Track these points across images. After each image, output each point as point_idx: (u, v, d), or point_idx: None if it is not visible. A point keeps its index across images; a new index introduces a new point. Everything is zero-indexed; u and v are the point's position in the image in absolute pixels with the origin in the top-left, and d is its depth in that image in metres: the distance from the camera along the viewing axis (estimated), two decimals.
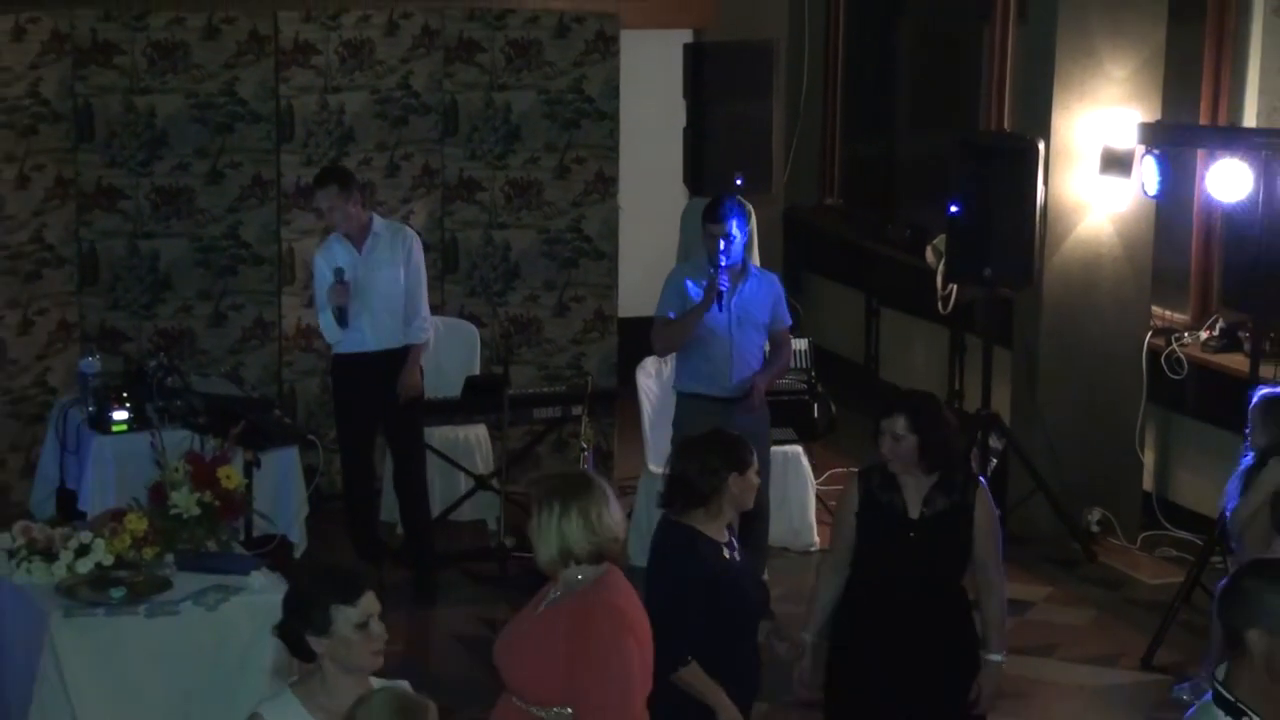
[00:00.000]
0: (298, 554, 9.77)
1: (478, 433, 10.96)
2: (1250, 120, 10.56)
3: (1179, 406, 10.82)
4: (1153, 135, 10.22)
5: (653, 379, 10.62)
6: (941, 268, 11.42)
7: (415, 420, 10.04)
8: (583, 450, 9.84)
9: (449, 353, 10.91)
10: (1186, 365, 10.61)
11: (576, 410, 10.25)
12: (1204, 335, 10.68)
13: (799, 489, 10.59)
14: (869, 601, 6.72)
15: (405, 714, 4.54)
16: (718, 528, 6.35)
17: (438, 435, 10.64)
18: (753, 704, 6.56)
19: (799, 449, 10.61)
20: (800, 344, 10.54)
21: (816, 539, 10.47)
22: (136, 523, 7.56)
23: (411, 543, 10.17)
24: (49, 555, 7.48)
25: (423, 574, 10.07)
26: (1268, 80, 10.54)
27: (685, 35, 13.03)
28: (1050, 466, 10.72)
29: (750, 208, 9.91)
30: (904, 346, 13.23)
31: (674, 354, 9.63)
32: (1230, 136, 9.94)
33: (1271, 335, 10.09)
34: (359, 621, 5.05)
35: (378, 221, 9.86)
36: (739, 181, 10.98)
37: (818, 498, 10.65)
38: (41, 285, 10.73)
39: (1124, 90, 10.60)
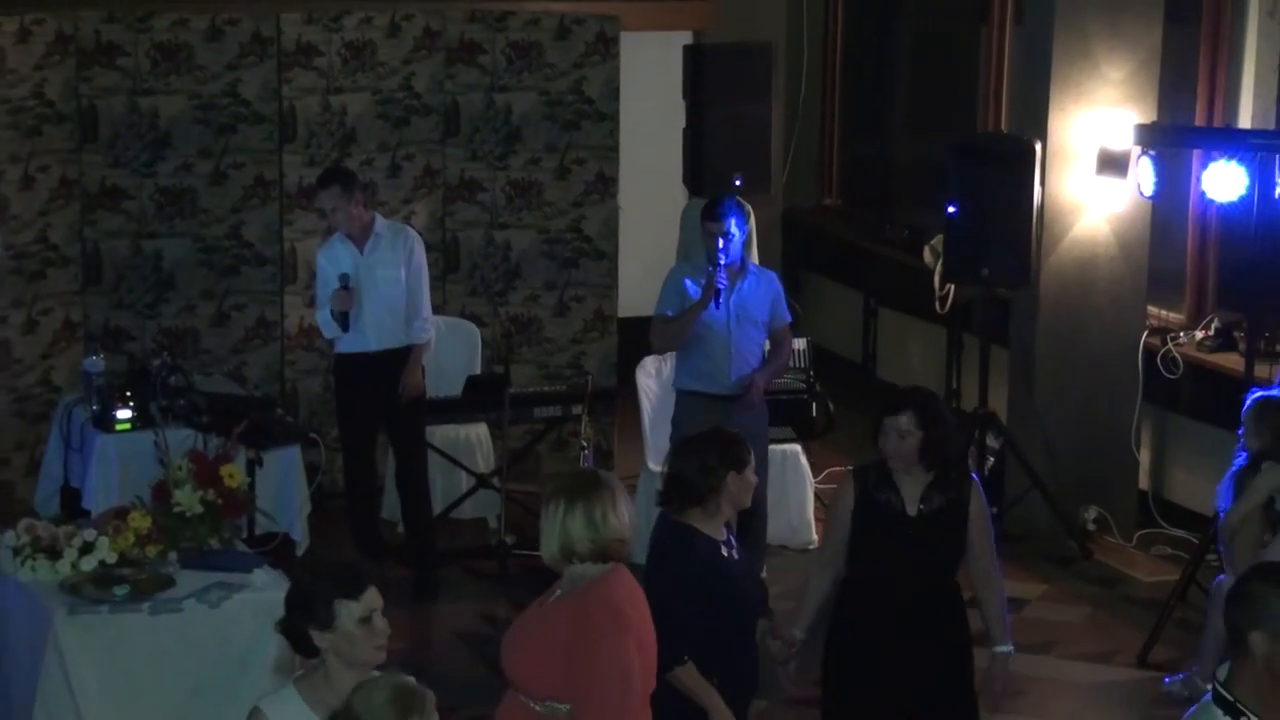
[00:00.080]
0: (300, 552, 9.78)
1: (479, 431, 10.97)
2: (1245, 121, 10.55)
3: (1174, 406, 10.82)
4: (1149, 136, 10.23)
5: (652, 378, 10.63)
6: (939, 268, 11.42)
7: (417, 419, 10.04)
8: (583, 449, 9.84)
9: (450, 352, 10.91)
10: (1182, 365, 10.61)
11: (577, 409, 10.25)
12: (1199, 335, 10.68)
13: (797, 487, 10.59)
14: (867, 599, 6.73)
15: (403, 701, 4.55)
16: (716, 526, 6.36)
17: (439, 434, 10.64)
18: (751, 701, 6.58)
19: (797, 448, 10.62)
20: (799, 343, 10.52)
21: (815, 537, 10.48)
22: (140, 521, 7.60)
23: (413, 540, 10.17)
24: (53, 553, 7.51)
25: (424, 571, 10.06)
26: (1262, 82, 10.53)
27: (685, 37, 12.99)
28: (1047, 465, 10.73)
29: (749, 207, 9.90)
30: (902, 346, 13.23)
31: (673, 353, 9.65)
32: (1225, 138, 9.91)
33: (1266, 335, 10.08)
34: (362, 616, 5.07)
35: (380, 222, 9.86)
36: (738, 182, 10.99)
37: (816, 496, 10.64)
38: (46, 285, 10.73)
39: (1120, 92, 10.60)
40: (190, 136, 10.92)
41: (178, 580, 7.47)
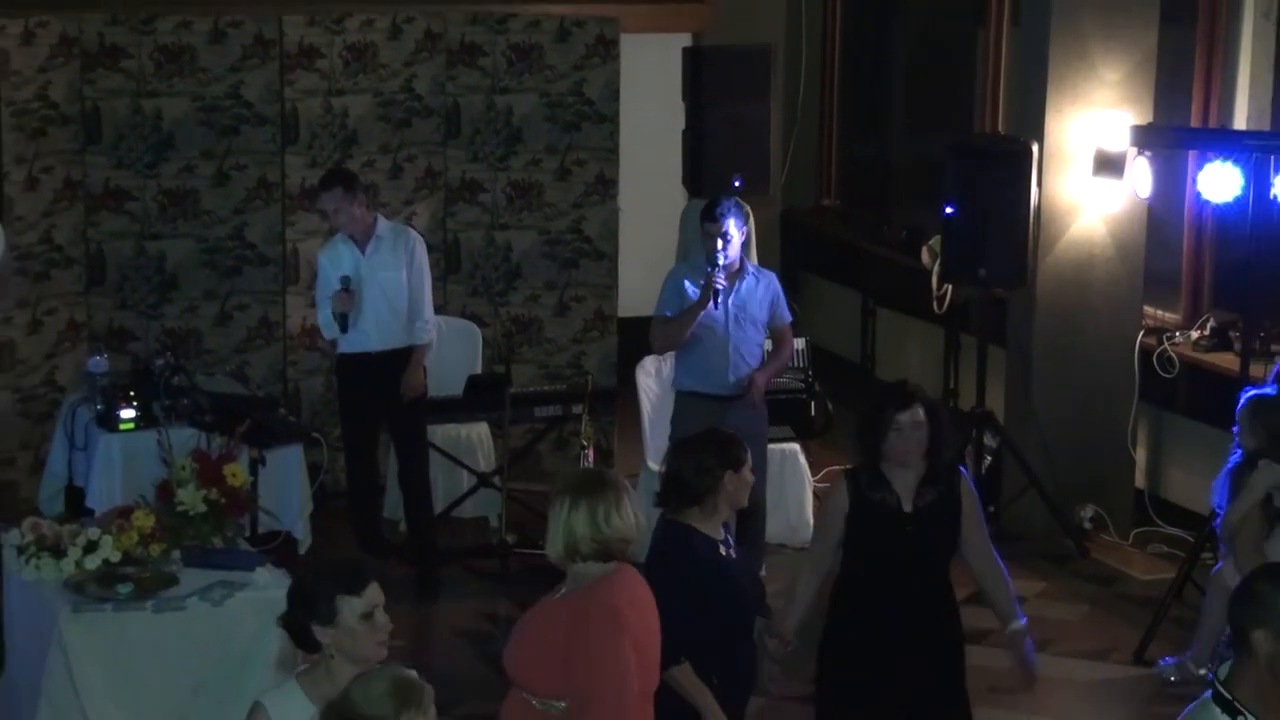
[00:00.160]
0: (302, 550, 9.78)
1: (480, 431, 10.99)
2: (1240, 123, 10.57)
3: (1170, 405, 10.82)
4: (1145, 137, 10.26)
5: (652, 378, 10.64)
6: (937, 268, 11.45)
7: (418, 418, 10.07)
8: (583, 448, 9.85)
9: (451, 352, 10.91)
10: (1178, 364, 10.61)
11: (577, 409, 10.26)
12: (1195, 335, 10.69)
13: (796, 486, 10.62)
14: (866, 598, 6.74)
15: (401, 693, 4.54)
16: (714, 525, 6.38)
17: (440, 433, 10.66)
18: (748, 700, 6.59)
19: (796, 447, 10.64)
20: (797, 343, 10.48)
21: None
22: (144, 519, 7.61)
23: (414, 539, 10.20)
24: (57, 552, 7.53)
25: (425, 570, 10.09)
26: (1257, 83, 10.55)
27: (684, 39, 13.02)
28: (1044, 464, 10.73)
29: (748, 208, 9.89)
30: (900, 345, 13.23)
31: (673, 353, 9.65)
32: (1221, 139, 9.95)
33: (1261, 334, 10.10)
34: (364, 612, 5.10)
35: (382, 223, 9.89)
36: (737, 183, 11.01)
37: (814, 495, 10.63)
38: (50, 285, 10.76)
39: (1116, 93, 10.61)
40: (193, 138, 10.94)
41: (181, 579, 7.49)
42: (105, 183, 10.89)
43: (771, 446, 10.01)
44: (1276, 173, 9.36)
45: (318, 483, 10.10)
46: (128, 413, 9.65)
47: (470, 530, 10.80)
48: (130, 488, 8.89)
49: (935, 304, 11.74)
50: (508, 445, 10.54)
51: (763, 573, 9.55)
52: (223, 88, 10.96)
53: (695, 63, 11.63)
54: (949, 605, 6.87)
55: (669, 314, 9.40)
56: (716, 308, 9.23)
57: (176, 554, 7.68)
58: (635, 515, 5.57)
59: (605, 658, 5.44)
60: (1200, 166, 9.77)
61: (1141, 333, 10.87)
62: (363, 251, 9.80)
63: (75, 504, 9.74)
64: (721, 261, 9.19)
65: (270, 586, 7.35)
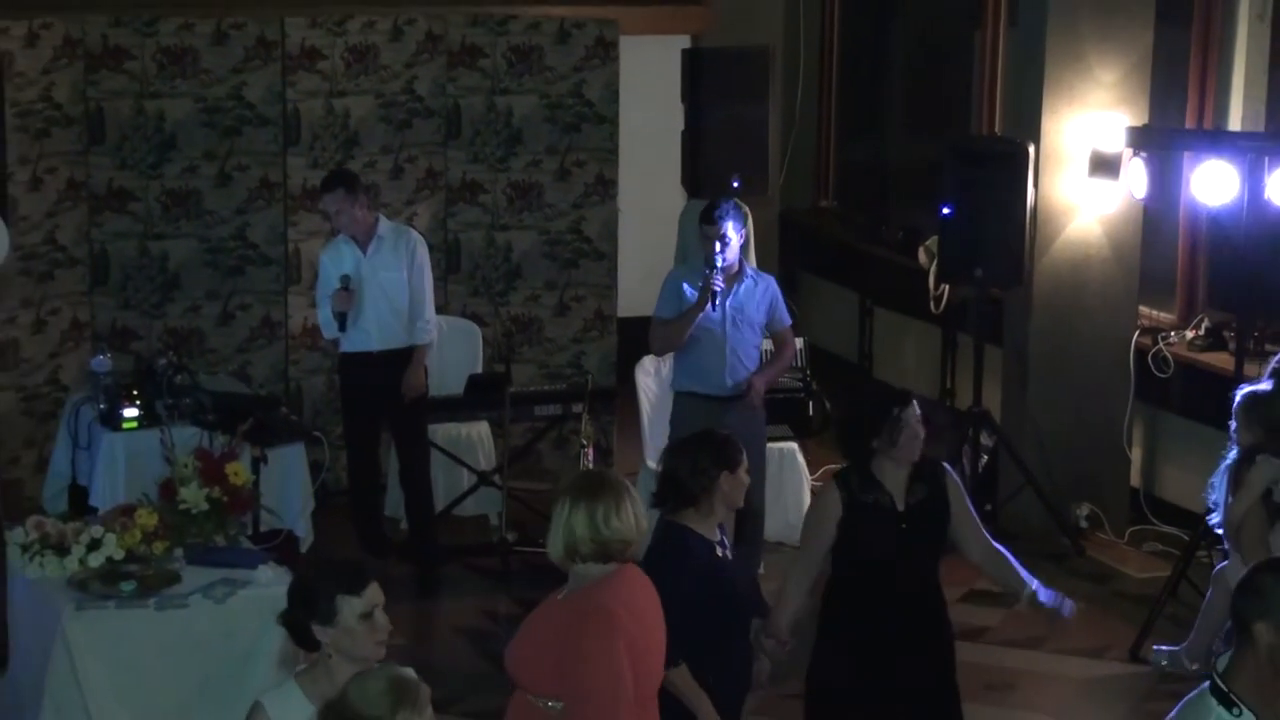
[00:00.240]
0: (304, 549, 9.84)
1: (480, 430, 11.00)
2: (1235, 124, 10.59)
3: (1166, 404, 10.84)
4: (1140, 139, 10.27)
5: (651, 377, 10.66)
6: (934, 268, 11.45)
7: (419, 417, 10.10)
8: (583, 447, 9.87)
9: (452, 351, 10.95)
10: (1173, 364, 10.64)
11: (577, 408, 10.30)
12: (1190, 334, 10.71)
13: (794, 485, 10.63)
14: (863, 599, 6.74)
15: (397, 692, 4.54)
16: (710, 526, 6.38)
17: (441, 432, 10.69)
18: (744, 700, 6.61)
19: (794, 446, 10.65)
20: (795, 343, 10.60)
21: None
22: (147, 518, 7.65)
23: (415, 537, 10.23)
24: (61, 550, 7.57)
25: (426, 568, 10.12)
26: (1252, 84, 10.57)
27: (683, 41, 13.00)
28: (1040, 463, 10.74)
29: (747, 210, 9.90)
30: (897, 345, 13.24)
31: (672, 353, 9.68)
32: (1216, 140, 9.96)
33: (1255, 334, 10.12)
34: (364, 611, 5.10)
35: (383, 224, 9.92)
36: (736, 184, 11.00)
37: (812, 493, 10.70)
38: (54, 285, 10.78)
39: (1112, 95, 10.62)
40: (196, 139, 10.96)
41: (183, 576, 7.52)
42: (108, 183, 10.91)
43: (770, 445, 10.02)
44: (1270, 173, 9.37)
45: (319, 481, 10.15)
46: (131, 412, 9.70)
47: (471, 528, 10.81)
48: (133, 486, 8.93)
49: (932, 304, 11.77)
50: (508, 444, 10.56)
51: (761, 571, 9.64)
52: (225, 89, 10.97)
53: (694, 64, 11.62)
54: (940, 602, 6.90)
55: (668, 316, 9.40)
56: (715, 310, 9.24)
57: (179, 552, 7.71)
58: (636, 517, 5.54)
59: (598, 660, 5.42)
60: (1195, 167, 9.77)
61: (1137, 332, 10.88)
62: (364, 252, 9.83)
63: (79, 502, 9.76)
64: (720, 264, 9.18)
65: (272, 584, 7.38)
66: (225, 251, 11.10)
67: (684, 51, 11.96)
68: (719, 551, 6.41)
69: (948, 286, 11.59)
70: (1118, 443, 10.93)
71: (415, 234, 10.14)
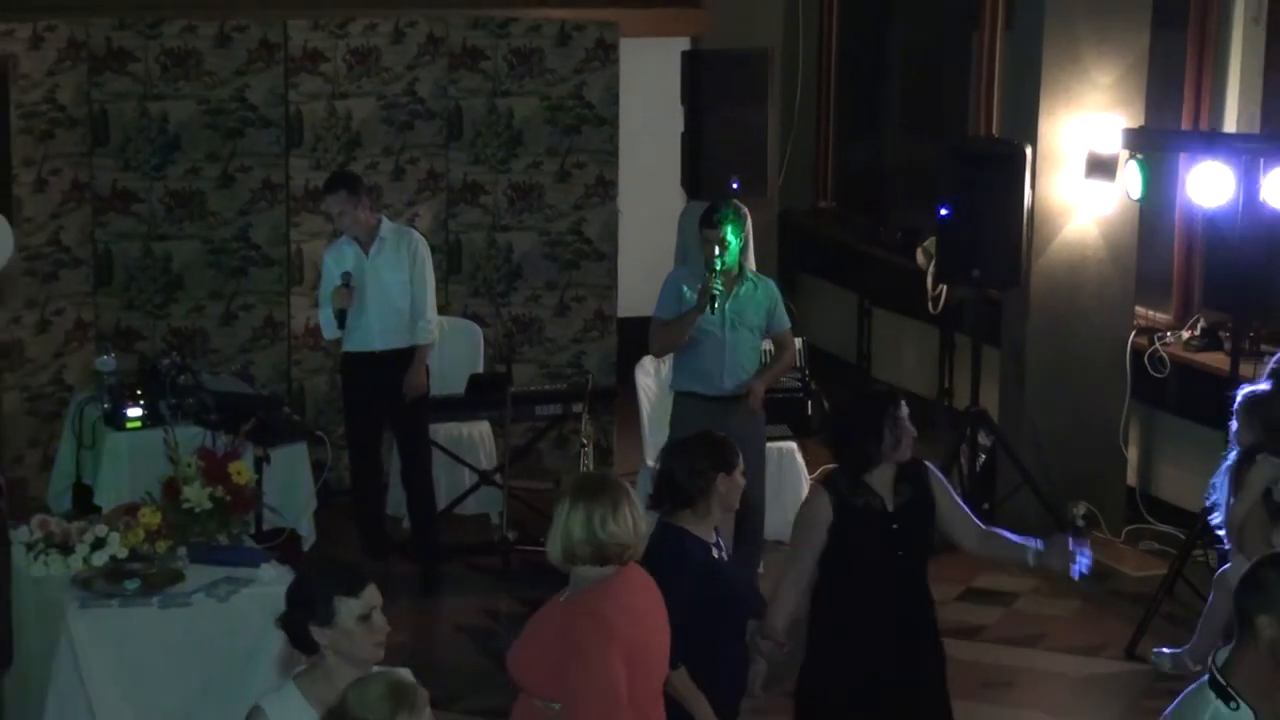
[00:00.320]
0: (306, 547, 9.83)
1: (481, 429, 11.02)
2: (1230, 125, 10.62)
3: (1162, 404, 10.86)
4: (1136, 140, 10.26)
5: (651, 377, 10.68)
6: (932, 269, 11.49)
7: (421, 417, 10.12)
8: (583, 446, 9.87)
9: (453, 351, 10.97)
10: (1169, 364, 10.66)
11: (577, 407, 10.31)
12: (1186, 335, 10.74)
13: (793, 484, 10.62)
14: (857, 600, 6.73)
15: (395, 696, 4.57)
16: (706, 528, 6.37)
17: (443, 431, 10.71)
18: (741, 700, 6.60)
19: (793, 445, 10.67)
20: (795, 344, 10.61)
21: None
22: (150, 516, 7.67)
23: (417, 536, 10.25)
24: (65, 548, 7.61)
25: (428, 567, 10.15)
26: (1247, 87, 10.60)
27: (683, 43, 13.00)
28: (1037, 462, 10.75)
29: (746, 212, 9.85)
30: (895, 345, 13.25)
31: (671, 354, 9.68)
32: (1211, 141, 9.95)
33: (1251, 334, 10.15)
34: (362, 613, 5.09)
35: (386, 225, 9.95)
36: (735, 185, 10.99)
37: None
38: (58, 286, 10.83)
39: (1108, 97, 10.64)
40: (199, 140, 11.00)
41: (187, 575, 7.55)
42: (112, 184, 10.94)
43: (769, 445, 10.00)
44: (1265, 175, 9.38)
45: (321, 480, 10.13)
46: (135, 411, 9.73)
47: (472, 527, 10.83)
48: (137, 485, 8.90)
49: (930, 304, 11.81)
50: (509, 443, 10.59)
51: (760, 570, 9.68)
52: (228, 91, 11.01)
53: (694, 67, 11.61)
54: (930, 601, 6.89)
55: (667, 318, 9.41)
56: (713, 313, 9.23)
57: (182, 550, 7.74)
58: (635, 521, 5.52)
59: (591, 663, 5.42)
60: (1191, 169, 9.77)
61: (1133, 333, 10.90)
62: (366, 253, 9.86)
63: (83, 501, 9.76)
64: (719, 267, 9.17)
65: (275, 582, 7.39)
66: (228, 252, 11.13)
67: (684, 54, 11.95)
68: (715, 553, 6.41)
69: (945, 287, 11.63)
70: (1114, 442, 10.95)
71: (417, 235, 10.16)
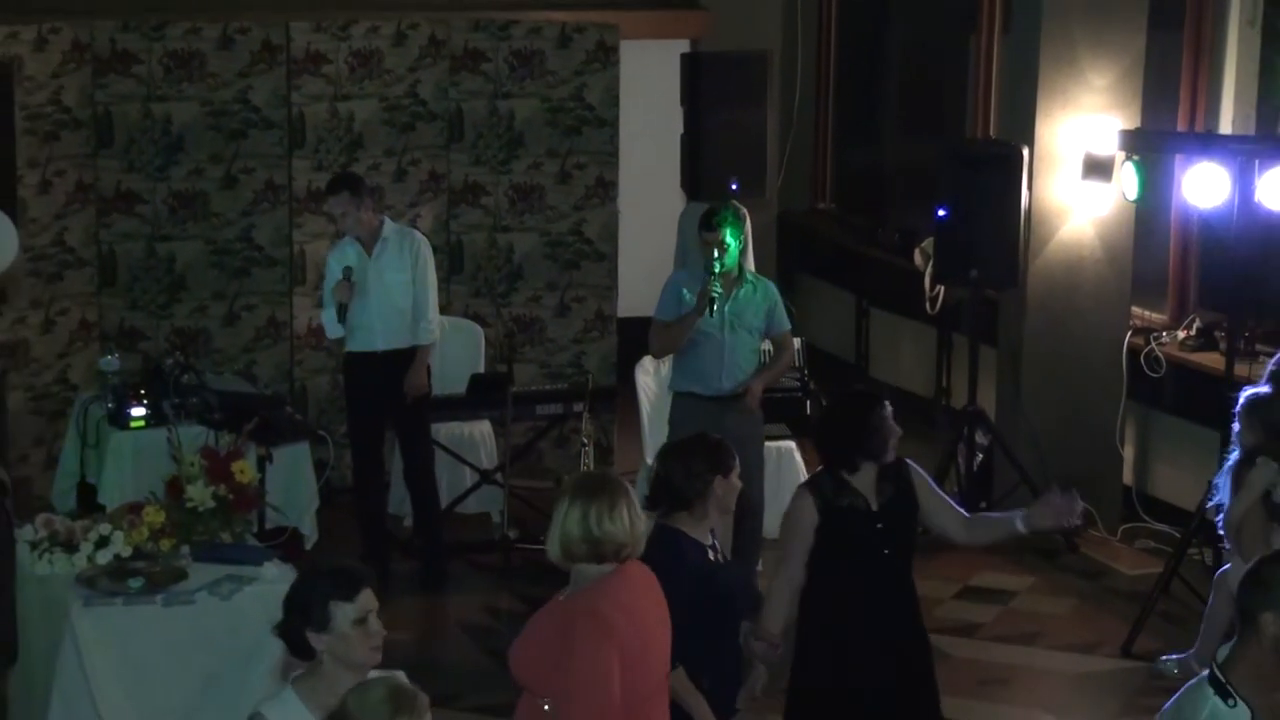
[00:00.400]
0: (309, 545, 9.89)
1: (482, 429, 11.04)
2: (1226, 127, 10.65)
3: (1157, 403, 10.87)
4: (1133, 142, 10.29)
5: (651, 377, 10.70)
6: (929, 270, 11.52)
7: (423, 417, 10.14)
8: (583, 445, 9.92)
9: (454, 352, 10.98)
10: (1165, 364, 10.68)
11: (578, 407, 10.33)
12: (1181, 335, 10.77)
13: (792, 483, 10.33)
14: (842, 600, 6.75)
15: (395, 700, 4.59)
16: (702, 530, 6.37)
17: (444, 431, 10.73)
18: (737, 700, 6.60)
19: (792, 444, 10.67)
20: (794, 344, 10.63)
21: None
22: (154, 515, 7.70)
23: (419, 535, 10.28)
24: (70, 547, 7.64)
25: (430, 565, 10.17)
26: (1243, 88, 10.63)
27: (682, 45, 13.01)
28: (1034, 461, 10.75)
29: (745, 213, 9.90)
30: (893, 345, 13.27)
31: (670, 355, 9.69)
32: (1207, 142, 9.96)
33: (1246, 335, 10.18)
34: (357, 618, 5.09)
35: (388, 226, 9.97)
36: (734, 187, 10.98)
37: None
38: (63, 286, 10.85)
39: (1105, 98, 10.67)
40: (202, 142, 11.02)
41: (190, 573, 7.57)
42: (116, 186, 10.97)
43: (767, 444, 10.03)
44: (1261, 176, 9.39)
45: (324, 479, 10.21)
46: (138, 411, 9.76)
47: (473, 526, 10.85)
48: (141, 484, 8.96)
49: (928, 305, 11.83)
50: (509, 443, 10.60)
51: (759, 568, 9.71)
52: (231, 92, 11.04)
53: (693, 69, 11.58)
54: (916, 600, 6.94)
55: (667, 319, 9.43)
56: (713, 316, 9.24)
57: (186, 549, 7.76)
58: (632, 520, 5.52)
59: (584, 661, 5.41)
60: (1187, 170, 9.78)
61: (1129, 333, 10.93)
62: (369, 253, 9.88)
63: (87, 500, 9.81)
64: (718, 269, 9.18)
65: (277, 581, 7.40)
66: (231, 253, 11.16)
67: (683, 56, 11.93)
68: (711, 555, 6.42)
69: (943, 287, 11.64)
70: (1110, 441, 10.97)
71: (419, 236, 10.18)
